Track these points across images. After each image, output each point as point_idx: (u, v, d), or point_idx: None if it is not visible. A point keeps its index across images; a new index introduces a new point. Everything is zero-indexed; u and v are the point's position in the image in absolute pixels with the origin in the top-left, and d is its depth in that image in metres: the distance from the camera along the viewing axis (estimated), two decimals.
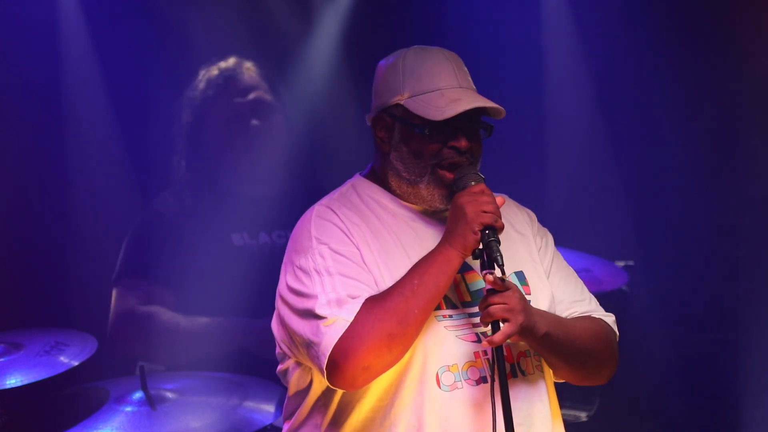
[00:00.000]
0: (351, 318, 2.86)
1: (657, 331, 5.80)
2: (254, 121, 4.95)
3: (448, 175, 3.01)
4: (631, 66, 5.84)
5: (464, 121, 3.01)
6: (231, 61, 4.99)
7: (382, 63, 3.13)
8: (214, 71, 4.98)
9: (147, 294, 4.78)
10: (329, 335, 2.86)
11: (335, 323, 2.86)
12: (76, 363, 4.13)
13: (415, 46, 3.13)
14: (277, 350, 3.06)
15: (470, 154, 3.02)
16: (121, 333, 4.79)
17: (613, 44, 5.82)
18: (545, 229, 3.23)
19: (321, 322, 2.88)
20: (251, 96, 4.96)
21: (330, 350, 2.85)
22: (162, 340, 4.73)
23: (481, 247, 2.89)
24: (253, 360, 4.66)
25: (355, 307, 2.87)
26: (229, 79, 4.95)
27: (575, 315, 3.10)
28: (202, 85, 4.96)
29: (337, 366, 2.85)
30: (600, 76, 5.86)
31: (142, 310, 4.76)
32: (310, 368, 2.99)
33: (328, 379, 2.87)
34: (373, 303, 2.87)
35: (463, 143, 3.00)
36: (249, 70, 4.98)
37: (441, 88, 3.02)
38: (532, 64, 5.87)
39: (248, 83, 4.97)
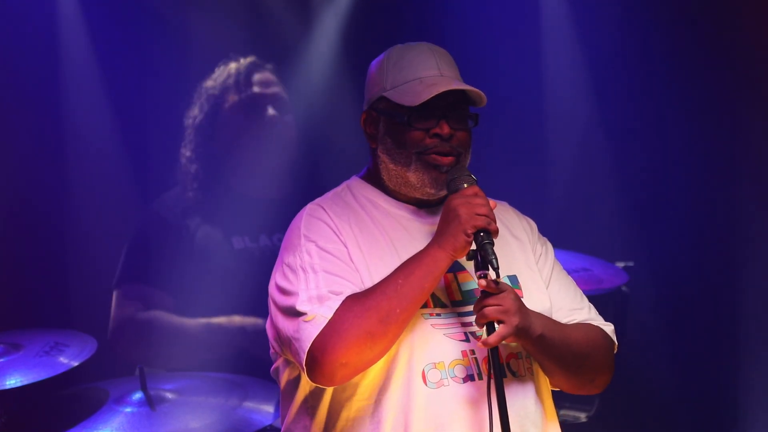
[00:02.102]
0: (330, 314, 2.86)
1: (656, 331, 5.80)
2: (271, 111, 4.96)
3: (437, 159, 3.00)
4: (631, 66, 5.83)
5: (446, 109, 3.01)
6: (250, 58, 5.00)
7: (372, 63, 3.15)
8: (232, 65, 4.99)
9: (146, 299, 4.79)
10: (308, 331, 2.86)
11: (315, 319, 2.87)
12: (75, 363, 4.14)
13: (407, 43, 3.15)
14: (271, 350, 3.07)
15: (457, 144, 3.02)
16: (122, 339, 4.79)
17: (612, 44, 5.82)
18: (545, 239, 3.22)
19: (301, 319, 2.88)
20: (270, 90, 4.97)
21: (308, 346, 2.86)
22: (163, 345, 4.74)
23: (475, 248, 2.88)
24: (253, 360, 4.66)
25: (335, 303, 2.88)
26: (249, 71, 4.96)
27: (574, 322, 3.10)
28: (221, 77, 4.97)
29: (315, 362, 2.85)
30: (600, 75, 5.85)
31: (142, 316, 4.77)
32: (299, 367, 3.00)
33: (308, 375, 2.88)
34: (353, 300, 2.88)
35: (445, 129, 3.00)
36: (268, 69, 4.99)
37: (421, 77, 3.03)
38: (531, 64, 5.86)
39: (268, 78, 4.98)
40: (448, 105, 3.01)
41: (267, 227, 4.95)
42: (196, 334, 4.77)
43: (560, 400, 3.17)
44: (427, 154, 3.01)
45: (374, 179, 3.11)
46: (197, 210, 4.89)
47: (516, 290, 3.02)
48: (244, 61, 5.01)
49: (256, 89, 4.96)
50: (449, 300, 2.99)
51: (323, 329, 2.85)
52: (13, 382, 4.04)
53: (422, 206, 3.09)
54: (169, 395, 4.25)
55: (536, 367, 3.04)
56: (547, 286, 3.12)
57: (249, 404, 4.25)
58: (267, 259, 4.88)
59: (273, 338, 3.02)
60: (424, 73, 3.04)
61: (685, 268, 5.80)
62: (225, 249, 4.88)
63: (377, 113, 3.07)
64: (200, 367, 4.68)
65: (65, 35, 5.21)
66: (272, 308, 2.99)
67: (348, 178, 3.20)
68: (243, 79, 4.96)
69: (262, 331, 4.69)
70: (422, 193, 3.05)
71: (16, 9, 5.09)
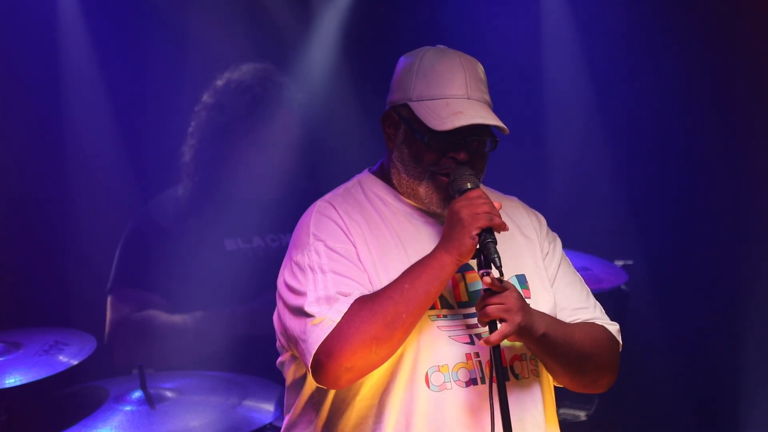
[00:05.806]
0: (338, 318, 2.87)
1: (656, 330, 5.80)
2: (270, 138, 4.95)
3: (447, 180, 3.00)
4: (632, 65, 5.84)
5: (466, 135, 2.99)
6: (260, 68, 4.98)
7: (402, 59, 3.11)
8: (244, 73, 4.97)
9: (140, 302, 4.79)
10: (315, 334, 2.87)
11: (322, 323, 2.87)
12: (75, 362, 4.14)
13: (439, 46, 3.10)
14: (277, 343, 3.08)
15: (470, 166, 2.99)
16: (119, 342, 4.80)
17: (613, 43, 5.82)
18: (554, 234, 3.21)
19: (309, 321, 2.89)
20: (276, 112, 4.96)
21: (315, 350, 2.86)
22: (161, 343, 4.74)
23: (478, 246, 2.88)
24: (253, 358, 4.66)
25: (343, 306, 2.88)
26: (256, 86, 4.94)
27: (578, 322, 3.09)
28: (231, 85, 4.95)
29: (321, 365, 2.86)
30: (600, 75, 5.86)
31: (137, 316, 4.77)
32: None
33: (313, 377, 2.89)
34: (361, 304, 2.88)
35: (461, 156, 2.99)
36: (276, 83, 4.97)
37: (447, 96, 3.00)
38: (532, 64, 5.87)
39: (275, 96, 4.96)
40: (469, 130, 2.98)
41: (260, 228, 4.95)
42: (193, 328, 4.77)
43: (560, 399, 3.17)
44: (439, 173, 3.00)
45: (386, 176, 3.10)
46: (189, 212, 4.89)
47: (524, 290, 3.02)
48: (254, 69, 4.99)
49: (257, 112, 4.94)
50: (455, 301, 2.99)
51: (330, 333, 2.86)
52: (12, 380, 4.04)
53: None
54: (168, 394, 4.25)
55: (540, 369, 3.04)
56: (552, 284, 3.11)
57: (249, 403, 4.26)
58: (260, 261, 4.88)
59: (280, 332, 3.02)
60: (451, 92, 2.99)
61: (684, 266, 5.80)
62: (217, 251, 4.88)
63: (399, 118, 3.05)
64: (200, 363, 4.68)
65: (65, 36, 5.22)
66: (280, 304, 3.00)
67: (343, 178, 3.19)
68: (249, 97, 4.94)
69: (264, 313, 4.69)
70: (428, 208, 3.05)
71: (16, 10, 5.09)
